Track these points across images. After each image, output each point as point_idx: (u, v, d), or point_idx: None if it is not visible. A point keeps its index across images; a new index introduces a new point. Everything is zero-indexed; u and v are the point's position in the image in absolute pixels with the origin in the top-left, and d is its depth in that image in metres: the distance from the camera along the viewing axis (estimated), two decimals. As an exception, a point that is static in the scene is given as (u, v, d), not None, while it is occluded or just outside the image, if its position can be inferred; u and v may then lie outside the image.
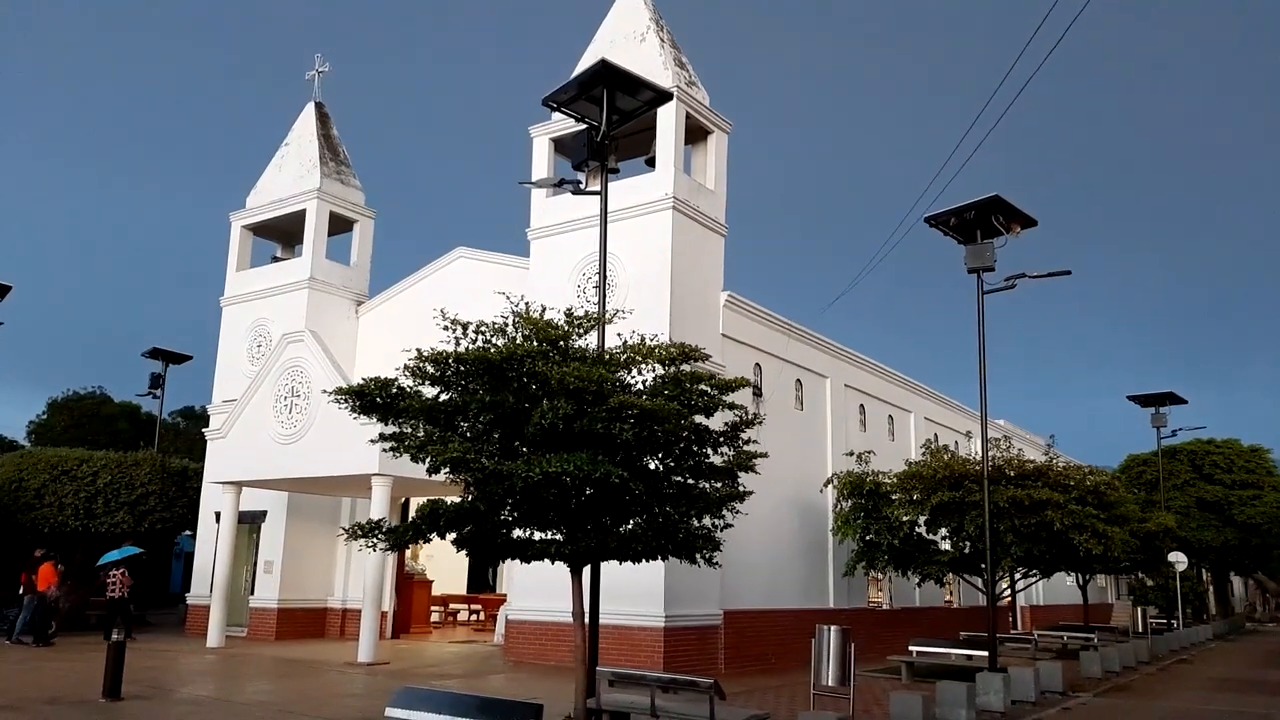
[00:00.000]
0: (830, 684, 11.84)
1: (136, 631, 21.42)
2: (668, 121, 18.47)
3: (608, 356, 10.46)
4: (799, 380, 22.37)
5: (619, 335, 11.01)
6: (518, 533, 10.47)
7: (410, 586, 23.81)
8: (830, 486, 20.79)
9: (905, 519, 19.19)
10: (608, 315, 11.40)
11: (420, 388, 10.23)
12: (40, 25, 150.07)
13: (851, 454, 20.83)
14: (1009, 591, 22.50)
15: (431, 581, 24.95)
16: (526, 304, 10.60)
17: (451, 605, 27.89)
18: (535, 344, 9.90)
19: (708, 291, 19.00)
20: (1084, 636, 24.55)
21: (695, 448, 10.76)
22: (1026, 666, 15.70)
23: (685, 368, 10.66)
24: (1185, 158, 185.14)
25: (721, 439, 10.90)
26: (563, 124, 19.05)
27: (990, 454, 16.89)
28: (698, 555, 10.76)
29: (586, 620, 10.59)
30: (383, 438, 10.45)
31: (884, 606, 25.66)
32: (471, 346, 10.06)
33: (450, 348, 10.11)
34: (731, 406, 10.93)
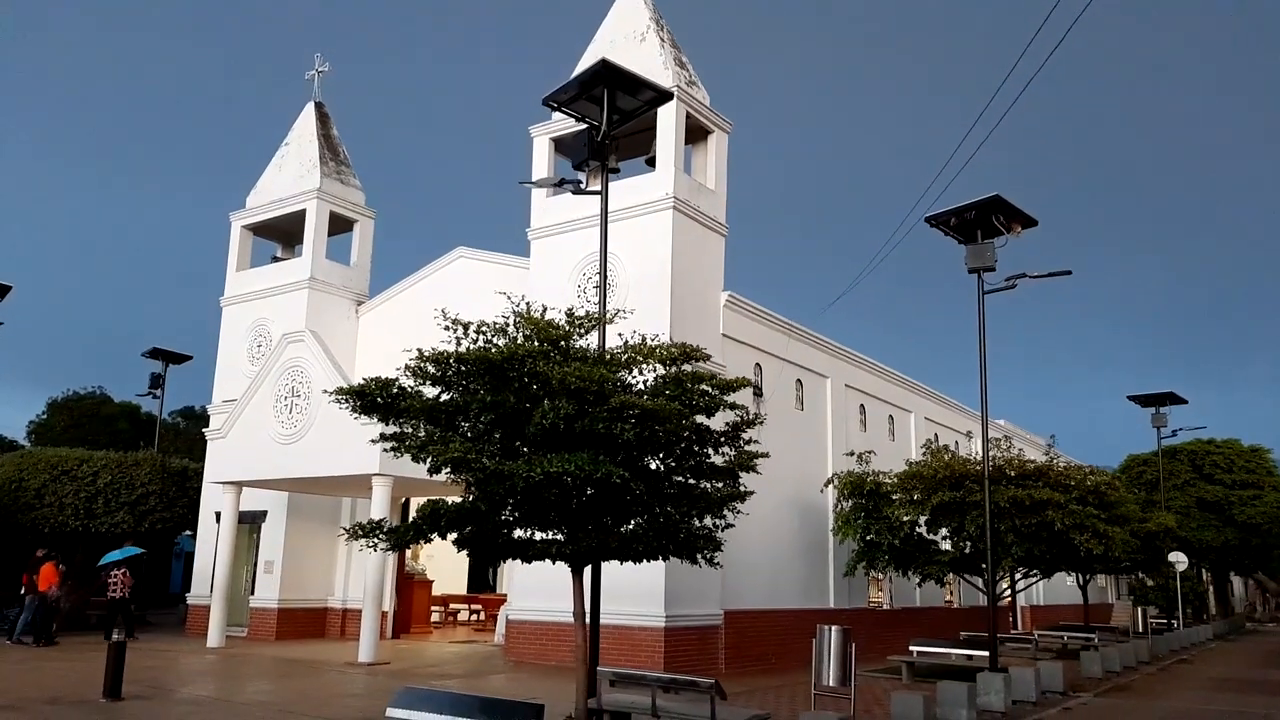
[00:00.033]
0: (831, 684, 11.82)
1: (137, 631, 21.44)
2: (668, 121, 18.46)
3: (609, 356, 10.46)
4: (799, 380, 22.37)
5: (620, 335, 11.01)
6: (519, 533, 10.47)
7: (410, 586, 23.80)
8: (831, 486, 20.78)
9: (906, 519, 19.19)
10: (608, 315, 11.39)
11: (421, 388, 10.23)
12: (40, 25, 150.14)
13: (852, 454, 20.83)
14: (1009, 591, 22.50)
15: (432, 581, 24.94)
16: (527, 304, 10.60)
17: (452, 605, 27.88)
18: (536, 344, 9.90)
19: (708, 291, 18.99)
20: (1084, 636, 24.54)
21: (696, 448, 10.76)
22: (1027, 666, 15.69)
23: (686, 368, 10.66)
24: (1185, 158, 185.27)
25: (722, 439, 10.90)
26: (563, 124, 19.05)
27: (991, 454, 16.88)
28: (699, 555, 10.76)
29: (587, 620, 10.59)
30: (384, 438, 10.45)
31: (884, 606, 25.66)
32: (472, 346, 10.05)
33: (451, 348, 10.10)
34: (732, 406, 10.93)
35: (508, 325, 10.20)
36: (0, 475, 23.18)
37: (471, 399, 9.85)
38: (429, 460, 9.76)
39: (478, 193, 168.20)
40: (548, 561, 10.36)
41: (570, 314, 10.58)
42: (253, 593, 22.83)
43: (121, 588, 20.32)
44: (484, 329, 10.17)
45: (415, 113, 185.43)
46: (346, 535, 10.35)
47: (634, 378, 10.53)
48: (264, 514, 22.79)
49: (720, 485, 11.03)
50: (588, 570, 10.68)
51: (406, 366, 10.15)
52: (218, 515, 22.22)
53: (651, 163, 18.91)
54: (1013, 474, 19.04)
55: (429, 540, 10.47)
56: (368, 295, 24.85)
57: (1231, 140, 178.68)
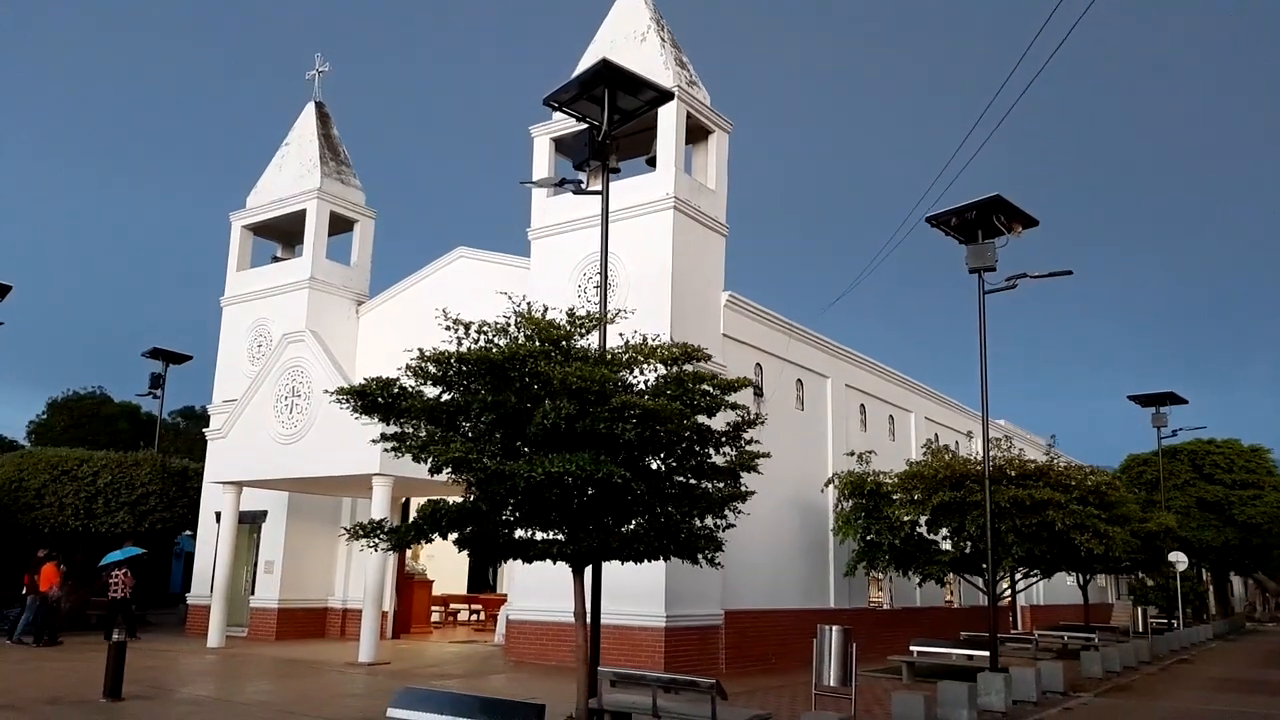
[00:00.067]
0: (832, 684, 11.82)
1: (138, 631, 21.42)
2: (668, 121, 18.46)
3: (610, 356, 10.45)
4: (800, 380, 22.36)
5: (620, 335, 11.01)
6: (520, 533, 10.46)
7: (411, 586, 23.80)
8: (831, 486, 20.78)
9: (906, 519, 19.18)
10: (609, 315, 11.39)
11: (422, 388, 10.22)
12: (40, 25, 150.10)
13: (852, 454, 20.82)
14: (1009, 591, 22.50)
15: (432, 581, 24.94)
16: (528, 304, 10.59)
17: (452, 605, 27.88)
18: (537, 344, 9.88)
19: (709, 291, 18.99)
20: (1085, 636, 24.54)
21: (697, 448, 10.75)
22: (1028, 666, 15.69)
23: (688, 368, 10.65)
24: (1185, 158, 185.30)
25: (724, 439, 10.89)
26: (563, 124, 19.04)
27: (991, 454, 16.88)
28: (700, 555, 10.75)
29: (588, 620, 10.58)
30: (384, 438, 10.44)
31: (884, 606, 25.65)
32: (473, 346, 10.05)
33: (452, 347, 10.09)
34: (733, 406, 10.93)
35: (509, 325, 10.19)
36: (0, 475, 23.18)
37: (472, 399, 9.84)
38: (430, 460, 9.75)
39: (478, 193, 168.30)
40: (548, 561, 10.35)
41: (571, 314, 10.57)
42: (253, 593, 22.82)
43: (123, 588, 20.31)
44: (485, 329, 10.16)
45: (415, 113, 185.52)
46: (347, 535, 10.33)
47: (635, 378, 10.53)
48: (264, 514, 22.78)
49: (721, 485, 11.03)
50: (588, 570, 10.67)
51: (407, 366, 10.14)
52: (218, 515, 22.21)
53: (652, 163, 18.91)
54: (1013, 474, 19.04)
55: (429, 540, 10.46)
56: (368, 295, 24.84)
57: (1231, 140, 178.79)
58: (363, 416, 10.26)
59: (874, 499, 19.58)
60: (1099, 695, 16.34)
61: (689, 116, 19.12)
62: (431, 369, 10.04)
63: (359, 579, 21.62)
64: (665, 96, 12.43)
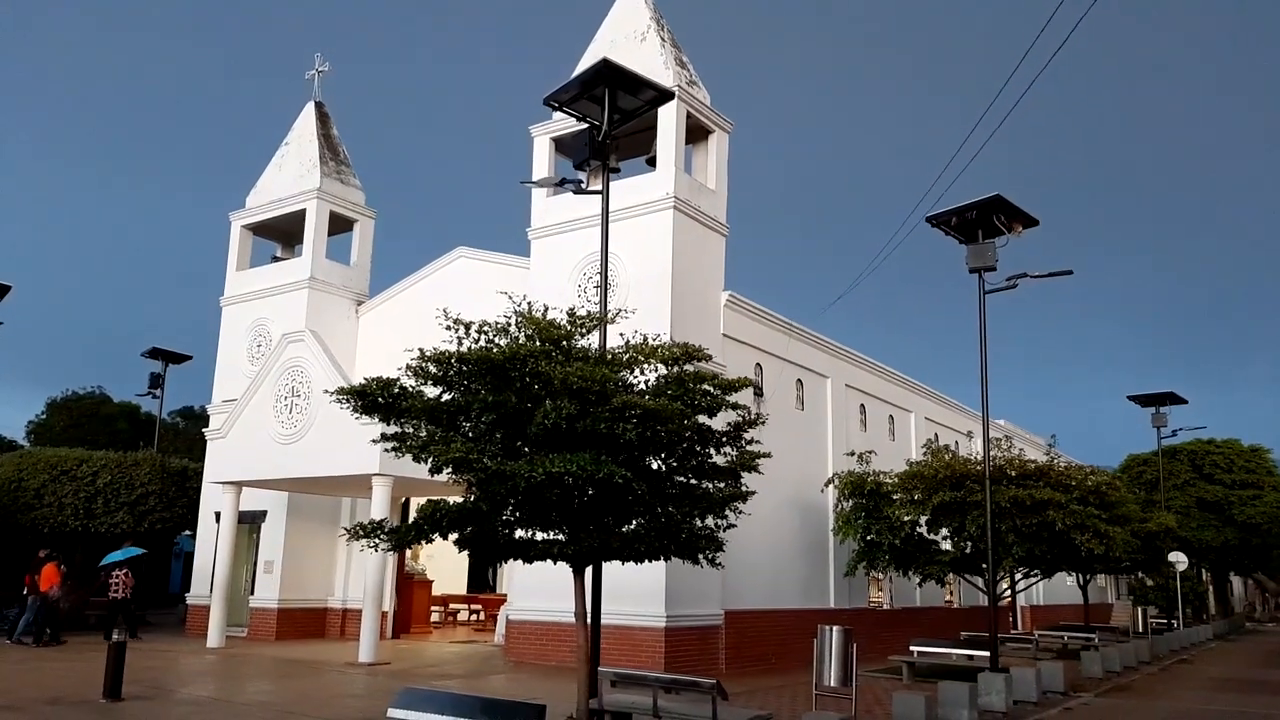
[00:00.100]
0: (832, 684, 11.81)
1: (138, 631, 21.40)
2: (669, 121, 18.45)
3: (610, 356, 10.44)
4: (800, 380, 22.36)
5: (620, 335, 11.00)
6: (520, 533, 10.45)
7: (410, 586, 23.79)
8: (831, 486, 20.77)
9: (906, 519, 19.18)
10: (610, 315, 11.38)
11: (422, 388, 10.21)
12: (40, 25, 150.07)
13: (852, 454, 20.81)
14: (1009, 591, 22.49)
15: (432, 581, 24.93)
16: (529, 304, 10.58)
17: (452, 605, 27.87)
18: (538, 344, 9.87)
19: (709, 291, 18.98)
20: (1085, 636, 24.54)
21: (698, 448, 10.74)
22: (1028, 667, 15.69)
23: (688, 368, 10.64)
24: (1185, 158, 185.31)
25: (724, 439, 10.88)
26: (563, 123, 19.03)
27: (991, 454, 16.87)
28: (700, 556, 10.74)
29: (589, 620, 10.57)
30: (385, 438, 10.42)
31: (884, 606, 25.65)
32: (474, 346, 10.03)
33: (452, 347, 10.08)
34: (734, 406, 10.92)
35: (509, 325, 10.18)
36: (0, 475, 23.16)
37: (473, 399, 9.83)
38: (430, 460, 9.74)
39: (478, 193, 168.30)
40: (549, 562, 10.34)
41: (572, 314, 10.56)
42: (253, 593, 22.81)
43: (123, 588, 20.30)
44: (485, 329, 10.15)
45: (415, 113, 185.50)
46: (348, 535, 10.32)
47: (635, 378, 10.52)
48: (264, 514, 22.77)
49: (722, 485, 11.02)
50: (589, 570, 10.66)
51: (408, 366, 10.13)
52: (218, 515, 22.20)
53: (652, 162, 18.90)
54: (1013, 474, 19.04)
55: (430, 540, 10.45)
56: (368, 295, 24.83)
57: (1231, 140, 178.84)
58: (363, 416, 10.25)
59: (874, 499, 19.57)
60: (1099, 695, 16.34)
61: (689, 116, 19.11)
62: (432, 369, 10.03)
63: (359, 579, 21.60)
64: (665, 96, 12.42)
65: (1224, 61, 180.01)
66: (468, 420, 10.16)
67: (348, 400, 10.07)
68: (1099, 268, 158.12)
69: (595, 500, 9.97)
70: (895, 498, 19.43)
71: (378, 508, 17.75)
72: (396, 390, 10.02)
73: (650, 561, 10.81)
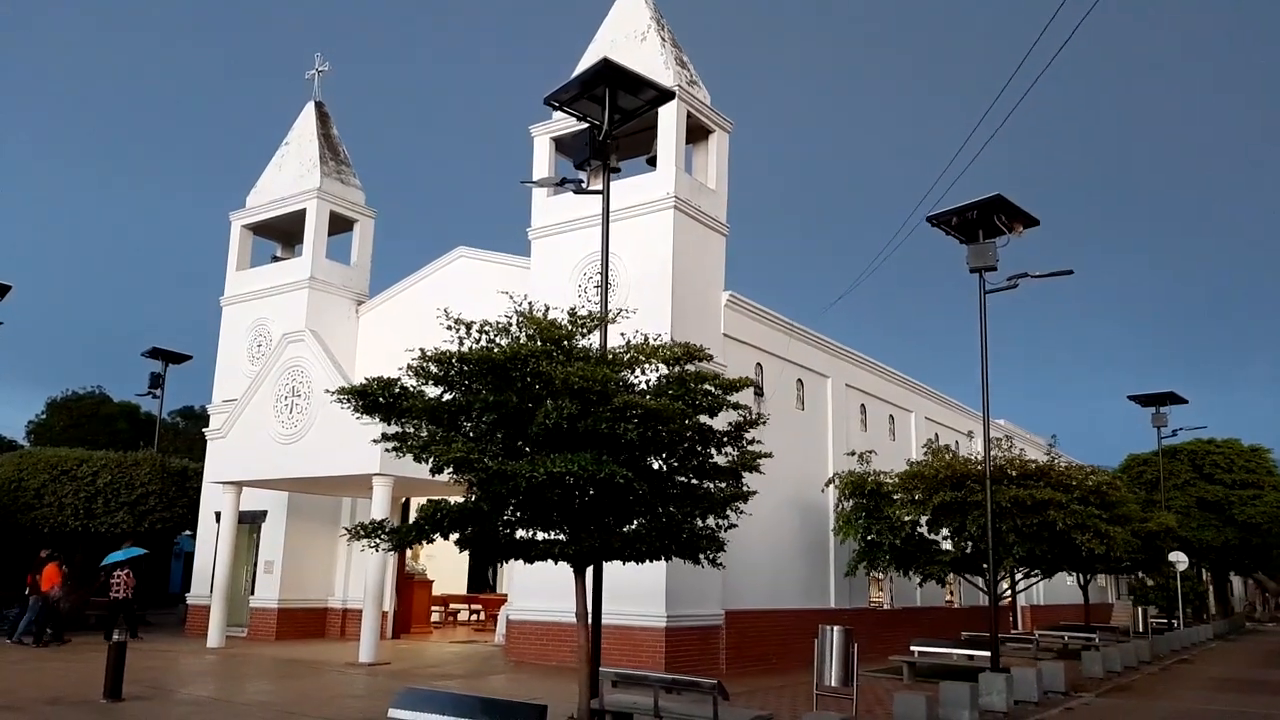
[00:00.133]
0: (833, 684, 11.81)
1: (138, 631, 21.38)
2: (669, 121, 18.44)
3: (611, 356, 10.44)
4: (800, 380, 22.35)
5: (621, 335, 11.00)
6: (521, 533, 10.44)
7: (411, 586, 23.78)
8: (831, 486, 20.77)
9: (907, 519, 19.17)
10: (610, 315, 11.37)
11: (423, 387, 10.20)
12: (40, 25, 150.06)
13: (853, 454, 20.81)
14: (1010, 591, 22.49)
15: (432, 581, 24.92)
16: (530, 304, 10.58)
17: (452, 605, 27.86)
18: (539, 344, 9.87)
19: (709, 291, 18.97)
20: (1085, 636, 24.54)
21: (699, 448, 10.74)
22: (1029, 667, 15.69)
23: (689, 368, 10.64)
24: (1184, 158, 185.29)
25: (725, 439, 10.88)
26: (564, 123, 19.02)
27: (992, 454, 16.86)
28: (701, 555, 10.73)
29: (589, 620, 10.56)
30: (386, 438, 10.42)
31: (885, 606, 25.64)
32: (475, 346, 10.03)
33: (453, 347, 10.08)
34: (735, 406, 10.91)
35: (510, 325, 10.17)
36: (0, 475, 23.15)
37: (474, 399, 9.82)
38: (431, 460, 9.74)
39: (478, 193, 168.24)
40: (550, 562, 10.33)
41: (573, 313, 10.56)
42: (253, 593, 22.79)
43: (124, 588, 20.28)
44: (486, 329, 10.15)
45: (415, 113, 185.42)
46: (349, 536, 10.32)
47: (636, 378, 10.52)
48: (264, 514, 22.76)
49: (723, 485, 11.02)
50: (590, 570, 10.65)
51: (409, 366, 10.13)
52: (218, 515, 22.18)
53: (652, 162, 18.89)
54: (1014, 474, 19.03)
55: (431, 540, 10.45)
56: (368, 295, 24.82)
57: (1230, 140, 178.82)
58: (363, 416, 10.25)
59: (874, 499, 19.57)
60: (1100, 695, 16.34)
61: (689, 116, 19.10)
62: (433, 369, 10.03)
63: (359, 579, 21.59)
64: (666, 96, 12.42)
65: (1221, 60, 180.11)
66: (469, 420, 10.16)
67: (349, 400, 10.07)
68: (1098, 267, 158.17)
69: (596, 500, 9.96)
70: (896, 498, 19.42)
71: (378, 508, 17.74)
72: (397, 390, 10.02)
73: (651, 561, 10.81)
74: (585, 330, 10.50)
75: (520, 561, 10.64)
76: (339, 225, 24.97)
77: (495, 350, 9.76)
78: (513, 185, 25.03)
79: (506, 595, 22.51)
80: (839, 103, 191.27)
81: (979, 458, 19.17)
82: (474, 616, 27.58)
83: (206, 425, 24.68)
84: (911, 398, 28.33)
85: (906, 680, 16.83)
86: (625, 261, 18.02)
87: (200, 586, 23.36)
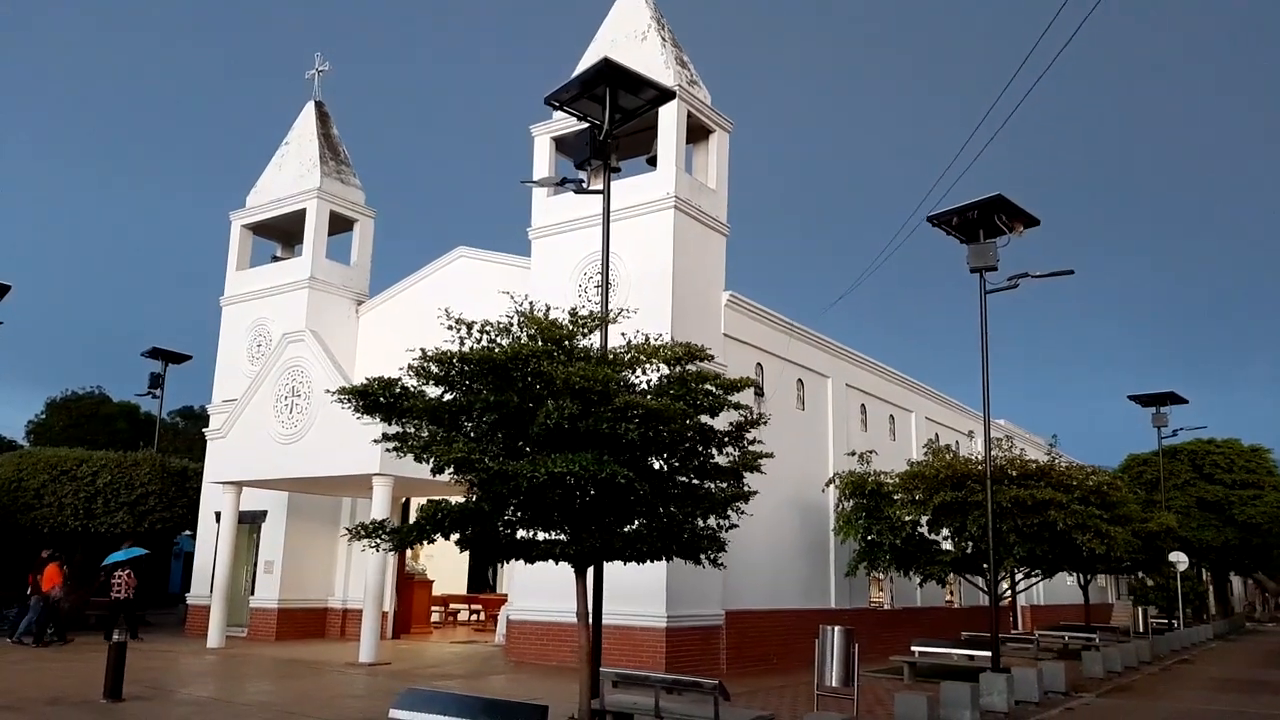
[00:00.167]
0: (834, 684, 11.80)
1: (139, 631, 21.37)
2: (669, 120, 18.43)
3: (612, 356, 10.43)
4: (800, 380, 22.34)
5: (622, 335, 10.99)
6: (522, 533, 10.43)
7: (411, 587, 23.77)
8: (832, 486, 20.77)
9: (907, 519, 19.17)
10: (612, 315, 11.36)
11: (424, 387, 10.19)
12: (40, 25, 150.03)
13: (853, 454, 20.80)
14: (1010, 591, 22.48)
15: (432, 581, 24.91)
16: (531, 304, 10.57)
17: (452, 605, 27.85)
18: (540, 344, 9.86)
19: (709, 291, 18.97)
20: (1085, 636, 24.54)
21: (700, 448, 10.73)
22: (1029, 667, 15.68)
23: (690, 368, 10.63)
24: (1185, 158, 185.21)
25: (726, 439, 10.87)
26: (564, 123, 19.02)
27: (993, 454, 16.85)
28: (702, 556, 10.72)
29: (590, 620, 10.55)
30: (386, 438, 10.41)
31: (885, 606, 25.64)
32: (476, 346, 10.02)
33: (454, 347, 10.07)
34: (736, 406, 10.90)
35: (511, 325, 10.16)
36: (0, 475, 23.13)
37: (475, 399, 9.81)
38: (432, 460, 9.72)
39: (478, 193, 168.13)
40: (550, 562, 10.32)
41: (574, 313, 10.55)
42: (253, 593, 22.78)
43: (126, 588, 20.28)
44: (487, 329, 10.14)
45: (415, 113, 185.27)
46: (350, 536, 10.31)
47: (637, 378, 10.51)
48: (264, 514, 22.75)
49: (724, 485, 11.00)
50: (590, 570, 10.64)
51: (409, 366, 10.12)
52: (218, 515, 22.17)
53: (652, 162, 18.88)
54: (1014, 474, 19.03)
55: (432, 540, 10.44)
56: (368, 295, 24.81)
57: (1231, 140, 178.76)
58: (364, 416, 10.24)
59: (875, 499, 19.56)
60: (1101, 695, 16.33)
61: (690, 116, 19.09)
62: (434, 369, 10.02)
63: (359, 579, 21.59)
64: (666, 95, 12.41)
65: (1223, 62, 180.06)
66: (469, 420, 10.14)
67: (350, 400, 10.06)
68: (1099, 268, 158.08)
69: (597, 500, 9.95)
70: (896, 498, 19.42)
71: (378, 508, 17.73)
72: (398, 390, 10.00)
73: (652, 562, 10.79)
74: (586, 330, 10.49)
75: (521, 561, 10.63)
76: (339, 225, 24.96)
77: (496, 350, 9.75)
78: (513, 185, 25.02)
79: (506, 595, 22.50)
80: (839, 103, 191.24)
81: (979, 458, 19.16)
82: (474, 616, 27.57)
83: (206, 425, 24.67)
84: (912, 398, 28.32)
85: (907, 680, 16.82)
86: (625, 261, 18.01)
87: (200, 586, 23.35)
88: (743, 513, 11.27)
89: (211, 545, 22.75)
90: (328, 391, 12.56)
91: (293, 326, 21.82)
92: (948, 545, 20.01)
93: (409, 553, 23.38)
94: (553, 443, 9.47)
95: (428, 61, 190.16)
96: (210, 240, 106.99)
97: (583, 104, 12.17)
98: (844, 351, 24.36)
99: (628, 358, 10.37)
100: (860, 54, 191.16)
